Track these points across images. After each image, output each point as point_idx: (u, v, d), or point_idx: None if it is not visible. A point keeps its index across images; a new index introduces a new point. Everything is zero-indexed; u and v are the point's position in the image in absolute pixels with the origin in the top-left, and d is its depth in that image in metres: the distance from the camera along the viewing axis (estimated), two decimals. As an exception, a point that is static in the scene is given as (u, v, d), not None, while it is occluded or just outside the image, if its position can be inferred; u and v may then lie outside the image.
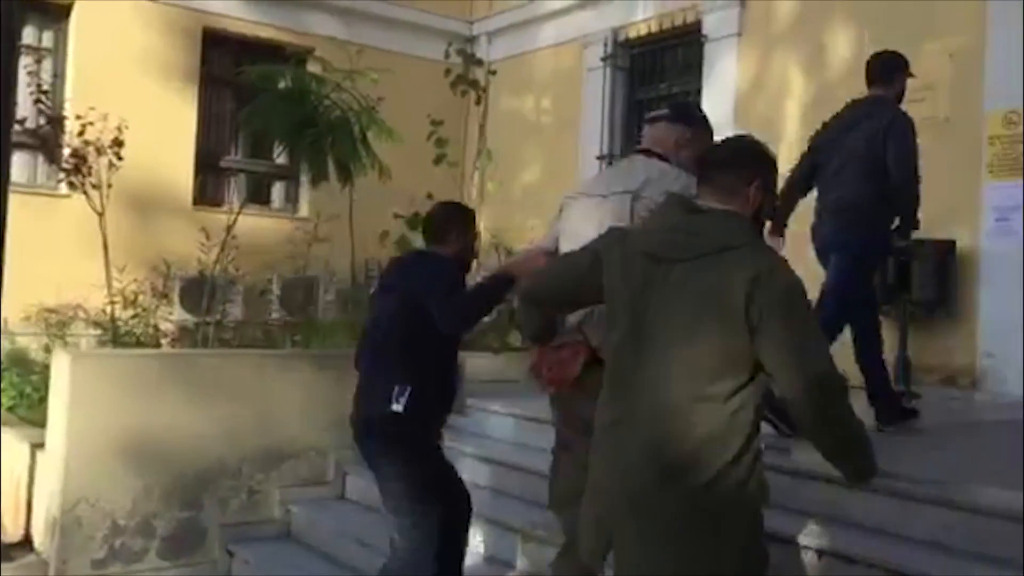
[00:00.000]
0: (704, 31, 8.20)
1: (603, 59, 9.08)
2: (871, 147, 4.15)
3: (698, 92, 8.26)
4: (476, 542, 4.01)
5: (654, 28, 8.68)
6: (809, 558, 3.11)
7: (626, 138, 9.12)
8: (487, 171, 7.38)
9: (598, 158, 8.96)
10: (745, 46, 7.93)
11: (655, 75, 8.98)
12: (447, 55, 7.01)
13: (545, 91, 9.80)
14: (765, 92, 7.74)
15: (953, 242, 6.16)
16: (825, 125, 4.49)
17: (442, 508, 3.40)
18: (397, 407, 3.29)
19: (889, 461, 2.97)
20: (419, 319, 3.29)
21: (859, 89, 6.84)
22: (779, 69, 7.63)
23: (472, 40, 10.14)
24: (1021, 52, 5.78)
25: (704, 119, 3.07)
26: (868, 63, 4.50)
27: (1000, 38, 6.06)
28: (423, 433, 3.45)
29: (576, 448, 2.68)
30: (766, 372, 2.10)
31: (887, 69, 4.41)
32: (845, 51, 7.08)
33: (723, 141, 2.46)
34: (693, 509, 2.07)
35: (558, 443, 2.98)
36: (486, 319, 4.26)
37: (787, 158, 7.41)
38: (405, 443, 3.38)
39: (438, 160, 6.52)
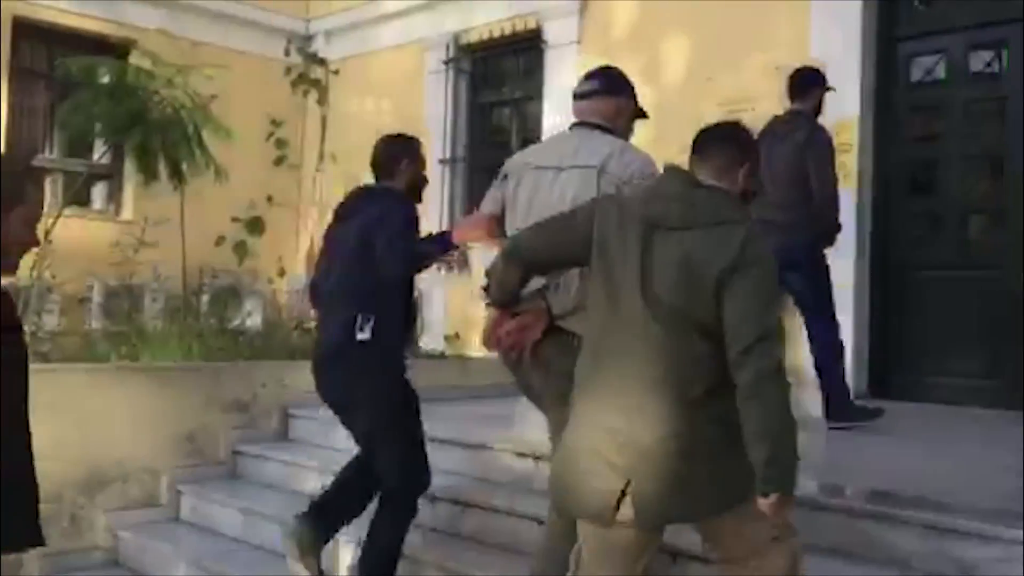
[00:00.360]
0: (545, 38, 8.28)
1: (445, 62, 9.03)
2: (795, 160, 4.47)
3: (540, 97, 8.33)
4: None
5: (496, 33, 8.70)
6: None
7: (470, 142, 9.10)
8: (331, 173, 7.16)
9: (441, 162, 8.89)
10: (585, 54, 8.05)
11: (498, 79, 9.01)
12: (287, 52, 6.77)
13: (387, 93, 9.64)
14: (605, 99, 7.89)
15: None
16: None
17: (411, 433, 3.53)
18: (363, 335, 3.34)
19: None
20: (373, 252, 3.35)
21: (695, 96, 7.11)
22: (618, 77, 7.79)
23: (310, 38, 9.85)
24: (844, 66, 6.11)
25: (631, 84, 3.13)
26: (789, 78, 4.81)
27: (822, 53, 6.39)
28: (391, 359, 3.49)
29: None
30: (727, 340, 2.26)
31: (804, 84, 4.73)
32: (681, 60, 7.31)
33: (720, 123, 2.61)
34: (715, 440, 2.31)
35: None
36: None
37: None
38: (374, 370, 3.43)
39: (279, 161, 6.30)
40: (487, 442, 4.37)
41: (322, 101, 6.95)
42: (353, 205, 3.64)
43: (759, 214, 4.39)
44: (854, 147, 6.21)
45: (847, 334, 5.11)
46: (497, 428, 4.76)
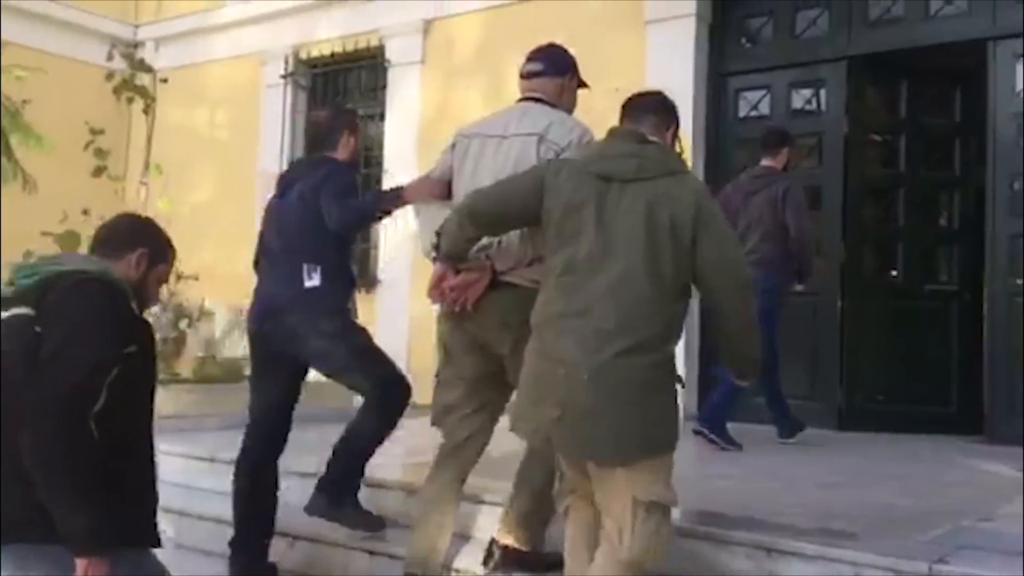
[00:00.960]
0: (388, 56, 8.19)
1: (283, 76, 8.77)
2: (772, 210, 5.16)
3: (382, 116, 8.22)
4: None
5: (337, 49, 8.52)
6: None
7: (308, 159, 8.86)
8: (156, 187, 6.78)
9: (278, 178, 8.63)
10: (428, 74, 8.02)
11: (338, 96, 8.81)
12: (110, 57, 6.37)
13: (221, 105, 9.26)
14: (448, 119, 7.85)
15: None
16: (724, 192, 5.31)
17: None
18: (312, 282, 3.50)
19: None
20: (317, 213, 3.51)
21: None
22: (461, 98, 7.79)
23: (137, 45, 9.35)
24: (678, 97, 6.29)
25: (573, 60, 3.34)
26: (762, 137, 5.54)
27: (658, 83, 6.58)
28: (342, 305, 3.62)
29: (457, 362, 3.08)
30: (700, 276, 2.53)
31: (775, 143, 5.39)
32: (523, 85, 7.38)
33: (647, 92, 2.93)
34: (646, 381, 2.49)
35: (447, 356, 3.15)
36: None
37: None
38: (328, 313, 3.55)
39: (98, 172, 5.89)
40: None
41: (148, 110, 6.56)
42: (295, 174, 3.83)
43: None
44: (687, 176, 6.41)
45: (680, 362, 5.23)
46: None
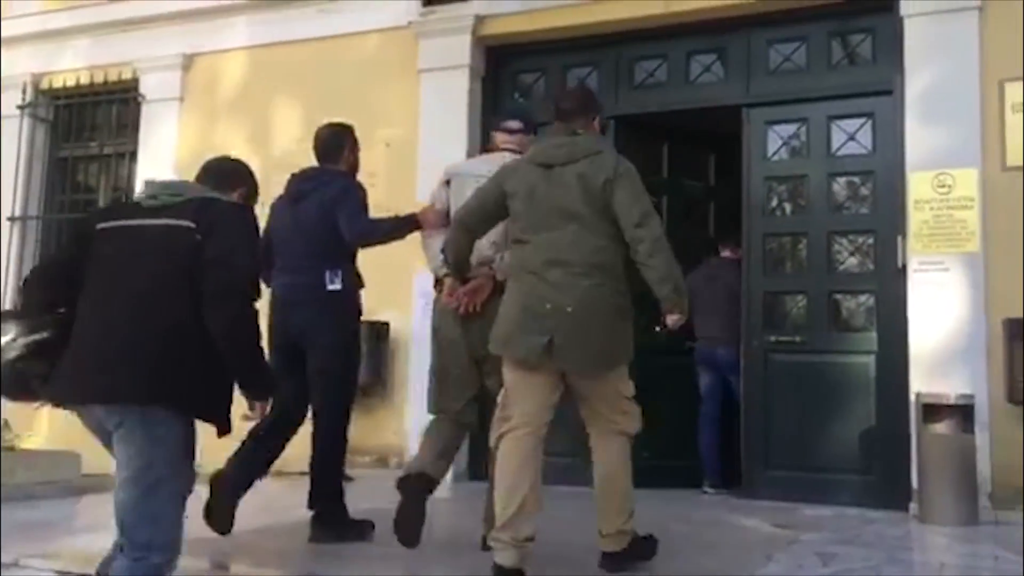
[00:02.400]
0: (142, 90, 7.58)
1: (20, 107, 7.91)
2: (732, 296, 5.93)
3: (133, 154, 7.58)
4: None
5: (85, 80, 7.79)
6: None
7: (48, 197, 8.00)
8: None
9: (10, 219, 7.73)
10: (187, 112, 7.49)
11: (85, 131, 8.05)
12: None
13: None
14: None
15: (387, 324, 6.33)
16: None
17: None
18: (334, 286, 4.03)
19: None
20: (335, 225, 4.04)
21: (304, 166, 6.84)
22: (223, 139, 7.30)
23: None
24: (451, 147, 6.19)
25: (537, 121, 4.24)
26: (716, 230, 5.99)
27: (431, 132, 6.46)
28: (356, 307, 4.21)
29: (456, 348, 3.79)
30: (620, 224, 3.35)
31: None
32: (292, 128, 7.03)
33: (570, 93, 4.33)
34: (615, 307, 3.38)
35: (445, 341, 3.85)
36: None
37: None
38: (345, 312, 4.12)
39: None
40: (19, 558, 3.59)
41: None
42: (307, 185, 4.20)
43: (702, 334, 6.20)
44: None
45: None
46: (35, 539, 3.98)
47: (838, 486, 5.51)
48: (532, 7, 6.41)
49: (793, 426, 5.68)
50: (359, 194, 4.13)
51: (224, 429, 2.60)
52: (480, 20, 6.51)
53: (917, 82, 5.40)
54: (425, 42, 6.64)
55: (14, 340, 2.62)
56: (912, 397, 5.12)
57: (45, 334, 2.64)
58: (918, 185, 5.33)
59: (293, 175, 4.34)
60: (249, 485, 3.99)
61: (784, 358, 5.69)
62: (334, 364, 4.05)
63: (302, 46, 7.06)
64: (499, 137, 4.10)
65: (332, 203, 4.06)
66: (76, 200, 8.03)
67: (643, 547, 3.53)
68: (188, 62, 7.48)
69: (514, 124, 4.09)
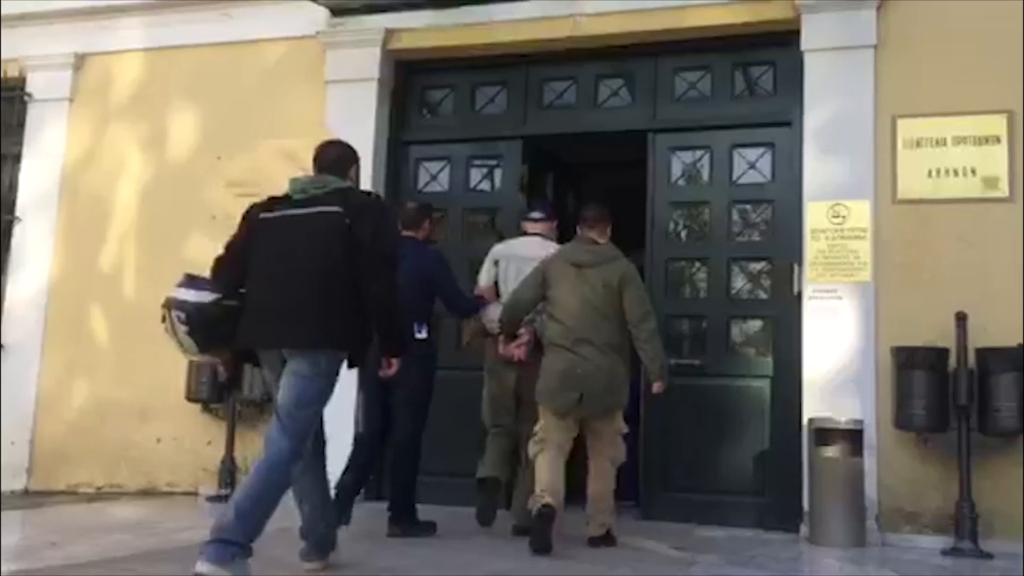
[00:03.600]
0: (29, 89, 7.22)
1: None
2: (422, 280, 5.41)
3: (18, 157, 7.20)
4: None
5: (-35, 75, 7.37)
6: None
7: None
8: None
9: None
10: (77, 113, 7.16)
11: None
12: None
13: None
14: (98, 166, 7.05)
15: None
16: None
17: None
18: (422, 335, 4.85)
19: None
20: (422, 289, 4.90)
21: (203, 174, 6.64)
22: (116, 144, 7.03)
23: None
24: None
25: (556, 209, 5.67)
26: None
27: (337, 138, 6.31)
28: (434, 353, 5.10)
29: (507, 383, 5.05)
30: (628, 320, 4.68)
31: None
32: (189, 134, 6.81)
33: (593, 206, 5.07)
34: (620, 371, 4.72)
35: (499, 379, 5.09)
36: None
37: (118, 235, 6.85)
38: (430, 357, 5.00)
39: None
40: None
41: None
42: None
43: None
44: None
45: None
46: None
47: (733, 508, 5.60)
48: (442, 23, 6.37)
49: (690, 448, 5.76)
50: (448, 269, 5.14)
51: (359, 364, 3.73)
52: (390, 33, 6.43)
53: (815, 115, 5.57)
54: (333, 53, 6.52)
55: (217, 302, 3.44)
56: (805, 421, 5.25)
57: (235, 302, 3.47)
58: (814, 215, 5.49)
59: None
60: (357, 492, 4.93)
61: (683, 381, 5.74)
62: (417, 397, 4.88)
63: (203, 50, 6.84)
64: (527, 225, 5.35)
65: (431, 273, 4.96)
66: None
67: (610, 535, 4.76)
68: (79, 62, 7.16)
69: (537, 215, 5.37)
